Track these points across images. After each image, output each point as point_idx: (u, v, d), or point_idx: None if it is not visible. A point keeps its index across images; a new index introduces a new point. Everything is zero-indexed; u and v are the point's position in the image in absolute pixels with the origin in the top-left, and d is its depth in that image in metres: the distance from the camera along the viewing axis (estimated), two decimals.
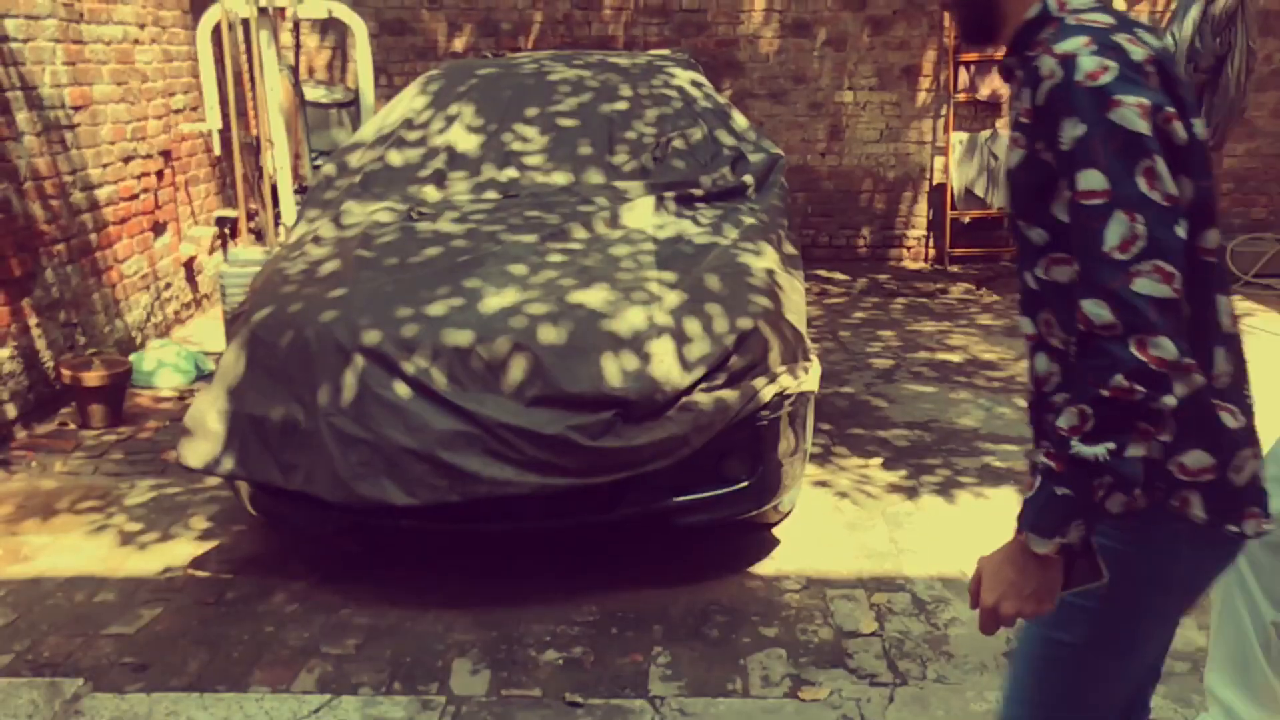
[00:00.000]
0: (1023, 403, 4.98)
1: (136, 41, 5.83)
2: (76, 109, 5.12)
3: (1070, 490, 1.33)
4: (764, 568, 3.46)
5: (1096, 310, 1.29)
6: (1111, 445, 1.30)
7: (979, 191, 8.10)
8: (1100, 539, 1.42)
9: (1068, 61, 1.32)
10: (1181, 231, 1.31)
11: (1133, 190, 1.29)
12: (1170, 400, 1.29)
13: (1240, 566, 2.17)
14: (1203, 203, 1.40)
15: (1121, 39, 1.35)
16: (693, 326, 3.19)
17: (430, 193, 4.17)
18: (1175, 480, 1.45)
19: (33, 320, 4.70)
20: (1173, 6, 7.43)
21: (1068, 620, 1.52)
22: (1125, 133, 1.29)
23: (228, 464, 3.16)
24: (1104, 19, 1.38)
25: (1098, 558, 1.42)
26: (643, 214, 3.92)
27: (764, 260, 3.65)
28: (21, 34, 4.67)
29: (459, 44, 8.02)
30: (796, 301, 3.64)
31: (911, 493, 4.01)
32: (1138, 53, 1.34)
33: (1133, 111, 1.29)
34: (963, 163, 8.06)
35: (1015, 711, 1.64)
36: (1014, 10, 1.48)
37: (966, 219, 8.20)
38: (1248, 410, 1.51)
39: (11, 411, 4.51)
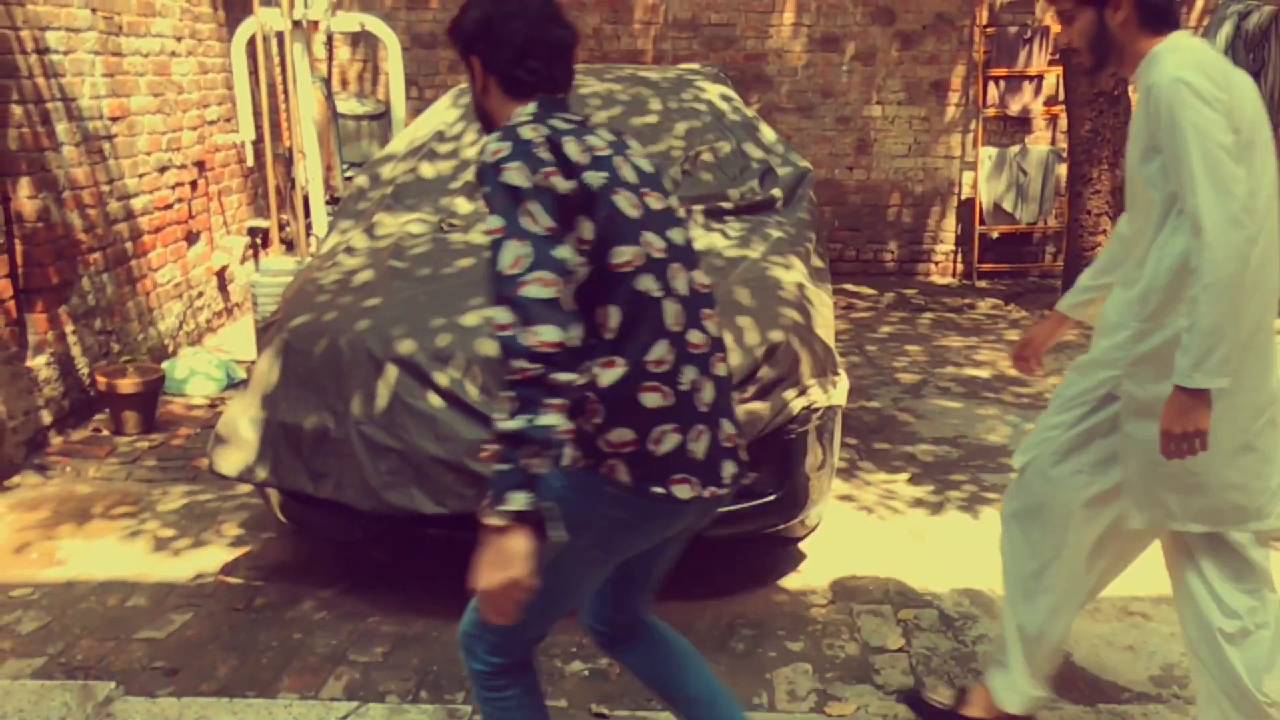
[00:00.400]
0: None
1: (173, 54, 5.92)
2: (114, 120, 5.20)
3: (508, 464, 1.63)
4: (790, 582, 3.46)
5: (499, 314, 1.68)
6: (527, 417, 1.63)
7: (1007, 206, 8.07)
8: (555, 476, 1.77)
9: (484, 147, 1.81)
10: (561, 253, 1.71)
11: (515, 225, 1.71)
12: (564, 376, 1.65)
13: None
14: (606, 230, 1.80)
15: (525, 129, 1.81)
16: (723, 339, 3.20)
17: (462, 204, 4.21)
18: (604, 452, 1.81)
19: (69, 328, 4.77)
20: (1205, 23, 7.39)
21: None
22: (506, 188, 1.73)
23: (260, 472, 3.19)
24: (526, 119, 1.86)
25: (545, 523, 1.71)
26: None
27: (793, 274, 3.65)
28: (62, 46, 4.75)
29: None
30: (825, 315, 3.64)
31: (938, 508, 3.99)
32: (530, 135, 1.79)
33: (513, 174, 1.73)
34: (991, 178, 8.04)
35: (473, 616, 2.01)
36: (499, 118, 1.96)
37: (995, 234, 8.17)
38: (685, 393, 1.84)
39: (47, 418, 4.58)
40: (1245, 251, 2.05)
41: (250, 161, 6.51)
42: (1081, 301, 2.67)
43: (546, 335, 1.64)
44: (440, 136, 4.61)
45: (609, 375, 1.79)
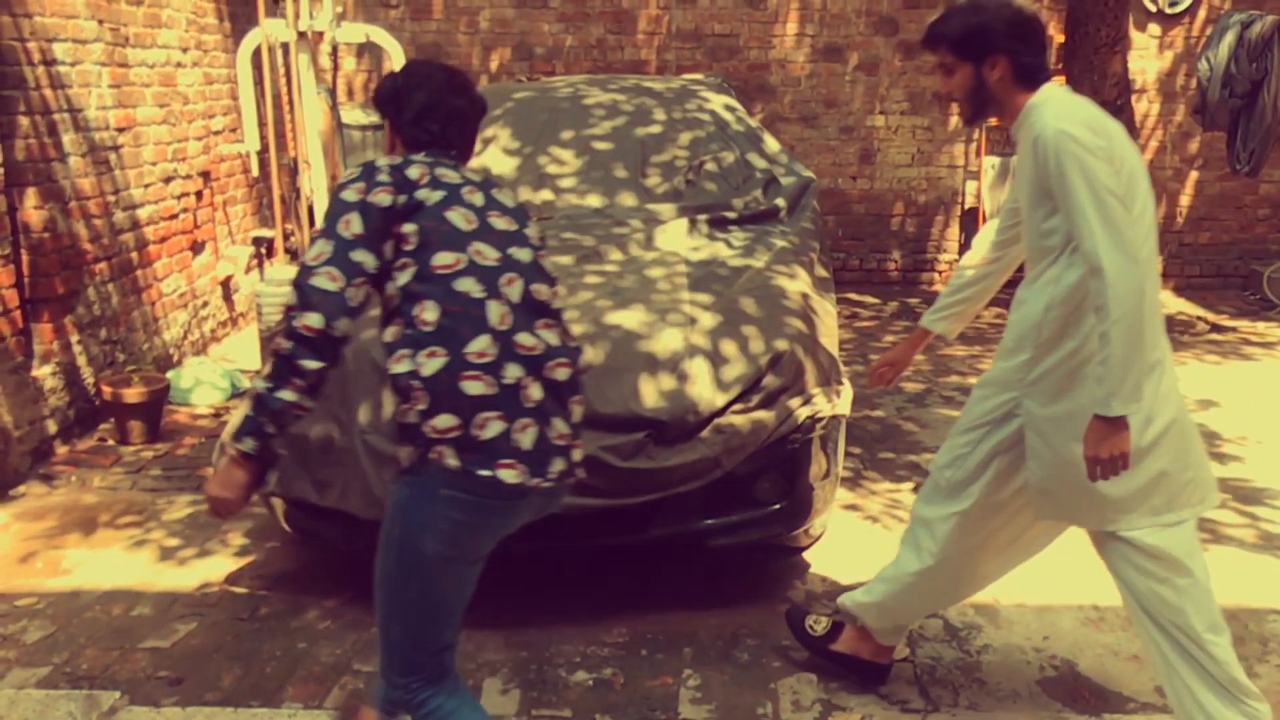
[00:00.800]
0: None
1: (179, 65, 5.95)
2: (120, 130, 5.22)
3: (251, 413, 1.97)
4: (795, 592, 3.45)
5: (290, 297, 1.97)
6: (270, 386, 1.95)
7: None
8: (399, 489, 2.05)
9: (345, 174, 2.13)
10: (359, 256, 2.00)
11: (331, 233, 2.02)
12: (311, 363, 1.94)
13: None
14: (431, 237, 2.05)
15: (381, 161, 2.12)
16: (727, 348, 3.21)
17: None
18: (431, 439, 1.98)
19: (74, 337, 4.78)
20: (1208, 32, 7.40)
21: (382, 549, 2.08)
22: (339, 201, 2.05)
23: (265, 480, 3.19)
24: (388, 161, 2.13)
25: (267, 467, 2.04)
26: (676, 236, 3.95)
27: (797, 283, 3.66)
28: (69, 58, 4.78)
29: (493, 68, 8.12)
30: (829, 325, 3.64)
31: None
32: (383, 164, 2.11)
33: (348, 192, 2.05)
34: (994, 187, 8.04)
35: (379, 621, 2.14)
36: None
37: None
38: (509, 386, 2.00)
39: (52, 427, 4.59)
40: (1143, 286, 2.21)
41: (255, 172, 6.52)
42: (942, 317, 2.88)
43: (311, 321, 1.95)
44: None
45: (431, 365, 1.98)
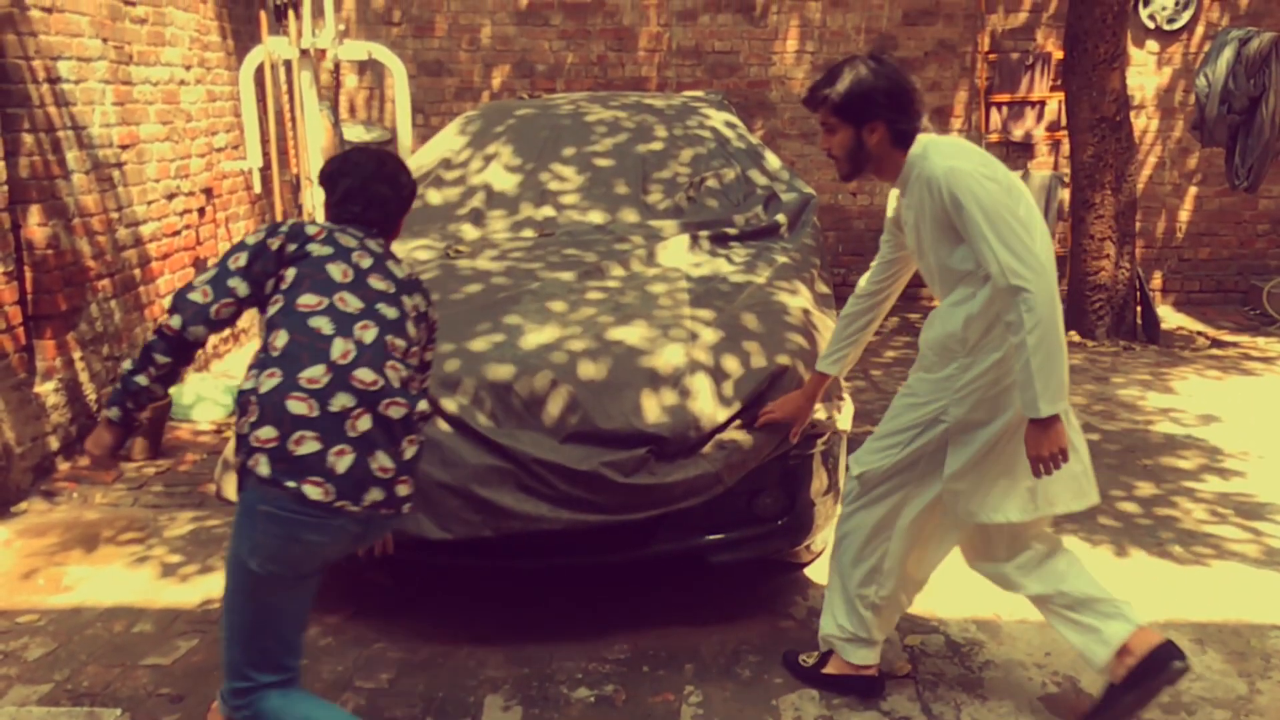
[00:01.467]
0: None
1: (182, 82, 5.98)
2: (124, 148, 5.25)
3: (118, 388, 2.37)
4: (796, 608, 3.45)
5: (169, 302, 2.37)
6: (131, 368, 2.36)
7: None
8: (236, 510, 2.26)
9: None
10: (233, 283, 2.33)
11: (223, 262, 2.36)
12: (162, 357, 2.33)
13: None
14: (305, 281, 2.32)
15: (293, 219, 2.63)
16: (729, 364, 3.21)
17: (468, 231, 4.24)
18: (253, 447, 2.18)
19: (76, 354, 4.79)
20: (1206, 48, 7.44)
21: (227, 568, 2.28)
22: (240, 242, 2.39)
23: None
24: (296, 219, 2.64)
25: (128, 432, 2.42)
26: (678, 252, 3.96)
27: (798, 299, 3.67)
28: (74, 75, 4.80)
29: (495, 84, 8.16)
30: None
31: None
32: (291, 221, 2.48)
33: (251, 237, 2.39)
34: None
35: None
36: None
37: None
38: (334, 414, 2.18)
39: (54, 444, 4.59)
40: (1054, 293, 2.41)
41: (258, 188, 6.55)
42: (836, 359, 3.06)
43: (173, 322, 2.32)
44: (447, 164, 4.65)
45: (268, 383, 2.20)
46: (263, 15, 5.69)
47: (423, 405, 2.35)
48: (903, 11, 8.06)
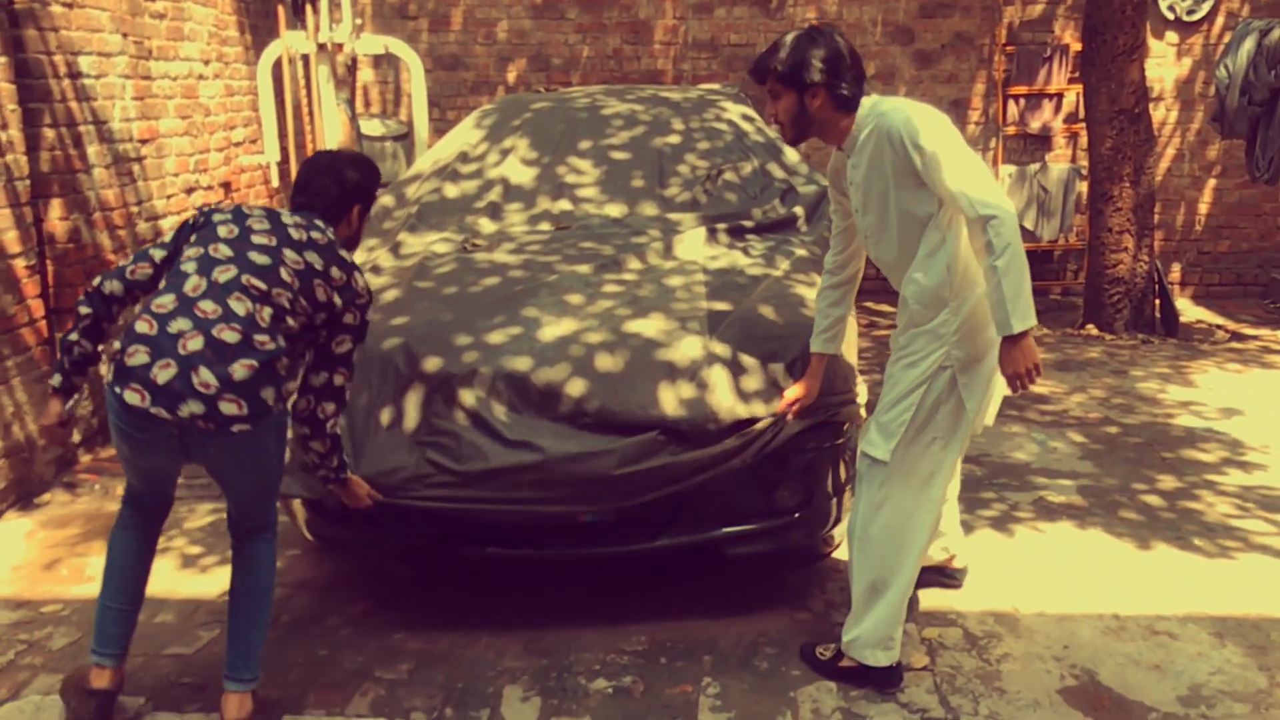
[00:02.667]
0: (1077, 437, 4.93)
1: (201, 77, 6.01)
2: (143, 142, 5.28)
3: (58, 354, 2.73)
4: (814, 600, 3.45)
5: None
6: (67, 329, 2.73)
7: (1028, 224, 8.06)
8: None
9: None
10: (153, 251, 2.73)
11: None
12: (84, 309, 2.68)
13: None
14: (194, 234, 2.70)
15: (212, 207, 2.80)
16: (746, 357, 3.21)
17: (485, 224, 4.25)
18: (111, 356, 2.53)
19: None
20: (1226, 39, 7.38)
21: None
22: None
23: (287, 483, 3.21)
24: (223, 208, 2.78)
25: (70, 395, 2.76)
26: (695, 245, 3.96)
27: (815, 291, 3.66)
28: (94, 71, 4.83)
29: (510, 78, 8.17)
30: (847, 333, 3.64)
31: (963, 527, 3.97)
32: (206, 208, 2.79)
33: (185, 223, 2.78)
34: (1012, 195, 8.03)
35: None
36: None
37: None
38: (170, 335, 2.47)
39: (76, 436, 4.63)
40: (1016, 217, 2.61)
41: (275, 182, 6.58)
42: (829, 339, 3.17)
43: (95, 281, 2.70)
44: (464, 157, 4.66)
45: (136, 311, 2.59)
46: (280, 10, 5.72)
47: (269, 344, 2.53)
48: (919, 4, 8.02)
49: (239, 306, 2.53)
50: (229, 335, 2.49)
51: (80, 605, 3.42)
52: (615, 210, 4.30)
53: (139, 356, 2.46)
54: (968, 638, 3.21)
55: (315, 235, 2.74)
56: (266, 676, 2.98)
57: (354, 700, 2.90)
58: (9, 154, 4.22)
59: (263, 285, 2.59)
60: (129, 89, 5.15)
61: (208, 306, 2.51)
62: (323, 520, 3.32)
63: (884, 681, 2.95)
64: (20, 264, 4.30)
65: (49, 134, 4.49)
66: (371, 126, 7.30)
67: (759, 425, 3.08)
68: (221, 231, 2.67)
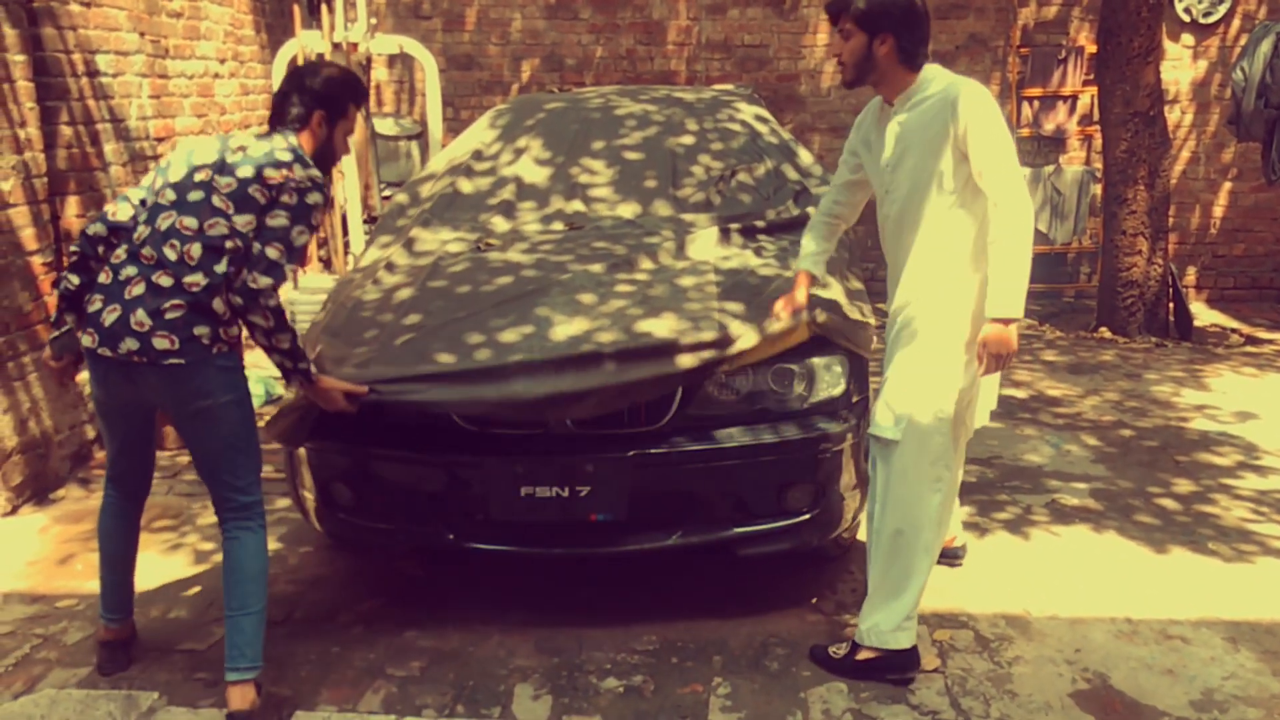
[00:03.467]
0: (1090, 440, 4.91)
1: (216, 76, 6.04)
2: (160, 140, 5.31)
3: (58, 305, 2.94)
4: (825, 601, 3.45)
5: None
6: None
7: (1042, 226, 8.03)
8: None
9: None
10: (133, 193, 2.89)
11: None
12: (74, 247, 2.87)
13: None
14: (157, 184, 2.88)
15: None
16: (181, 264, 3.23)
17: (499, 223, 4.25)
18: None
19: None
20: (1243, 42, 7.35)
21: None
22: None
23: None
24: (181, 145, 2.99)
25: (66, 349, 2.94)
26: (708, 246, 3.96)
27: (828, 292, 3.66)
28: (112, 69, 4.86)
29: (524, 78, 8.18)
30: (862, 334, 3.64)
31: (975, 529, 3.97)
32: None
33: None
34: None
35: None
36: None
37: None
38: (120, 281, 2.72)
39: (91, 432, 4.66)
40: (1033, 215, 2.85)
41: None
42: (818, 261, 3.37)
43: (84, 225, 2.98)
44: (478, 156, 4.67)
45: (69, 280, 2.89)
46: (296, 9, 5.74)
47: (200, 282, 2.71)
48: (934, 4, 8.00)
49: (171, 252, 2.73)
50: (164, 280, 2.72)
51: (94, 601, 3.43)
52: (628, 210, 4.30)
53: (95, 304, 2.75)
54: (979, 640, 3.20)
55: (257, 147, 2.83)
56: (278, 673, 3.01)
57: (366, 697, 2.91)
58: (27, 151, 4.25)
59: (194, 224, 2.74)
60: (145, 87, 5.18)
61: (148, 253, 2.75)
62: (334, 517, 3.33)
63: (904, 665, 2.98)
64: (37, 260, 4.33)
65: (66, 131, 4.52)
66: (386, 125, 7.32)
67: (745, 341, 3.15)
68: (171, 174, 2.85)
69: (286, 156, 2.79)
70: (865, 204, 3.34)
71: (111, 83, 4.87)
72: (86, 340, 2.75)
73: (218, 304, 2.72)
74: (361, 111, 5.99)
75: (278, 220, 2.74)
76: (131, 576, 3.07)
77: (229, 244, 2.72)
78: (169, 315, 2.69)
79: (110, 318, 2.70)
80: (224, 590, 2.83)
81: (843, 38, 2.97)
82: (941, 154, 2.86)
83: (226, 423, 2.80)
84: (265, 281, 2.69)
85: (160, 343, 2.68)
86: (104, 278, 2.77)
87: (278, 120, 2.91)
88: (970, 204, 2.86)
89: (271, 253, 2.72)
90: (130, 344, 2.68)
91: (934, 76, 2.93)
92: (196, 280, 2.70)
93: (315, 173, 2.82)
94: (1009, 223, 2.73)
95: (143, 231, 2.77)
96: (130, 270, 2.73)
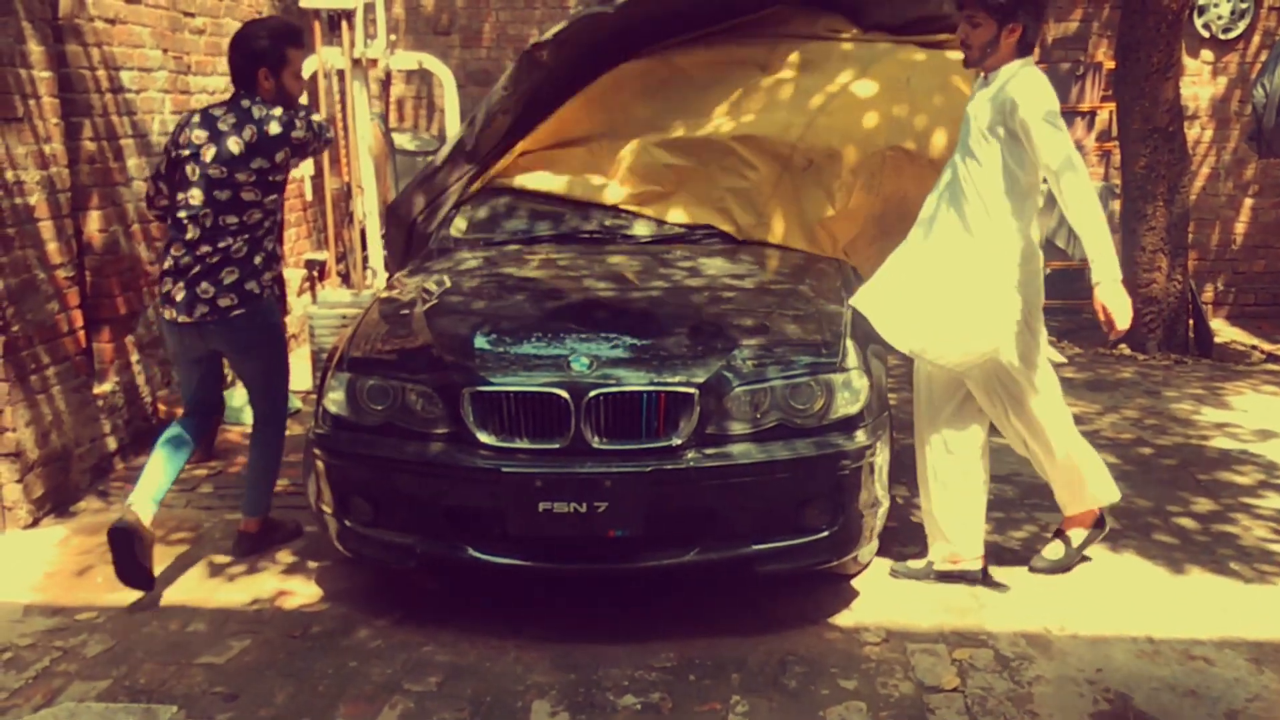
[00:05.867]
0: (1109, 458, 4.88)
1: None
2: None
3: None
4: (843, 619, 3.43)
5: None
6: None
7: (1060, 243, 8.00)
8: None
9: None
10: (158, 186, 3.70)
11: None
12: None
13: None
14: (176, 183, 3.60)
15: (177, 127, 3.67)
16: (226, 247, 3.35)
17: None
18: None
19: (134, 356, 4.89)
20: (1263, 58, 7.32)
21: None
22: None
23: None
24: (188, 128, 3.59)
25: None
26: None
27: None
28: (135, 85, 4.91)
29: None
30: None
31: (995, 547, 3.94)
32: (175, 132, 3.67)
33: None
34: (1044, 214, 7.96)
35: None
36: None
37: (1048, 270, 8.08)
38: (182, 264, 3.55)
39: (112, 444, 4.69)
40: (1096, 193, 3.23)
41: (309, 195, 6.66)
42: None
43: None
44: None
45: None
46: (316, 25, 5.78)
47: (237, 248, 3.52)
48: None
49: (211, 228, 3.48)
50: (212, 259, 3.49)
51: (114, 613, 3.46)
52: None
53: (166, 284, 3.55)
54: (999, 659, 3.18)
55: (233, 117, 3.47)
56: (295, 687, 3.02)
57: (383, 712, 2.91)
58: (52, 166, 4.29)
59: (224, 195, 3.45)
60: (168, 103, 5.23)
61: (203, 248, 3.49)
62: (353, 534, 3.34)
63: (976, 580, 3.56)
64: (61, 274, 4.36)
65: (90, 147, 4.56)
66: (404, 140, 7.37)
67: None
68: (188, 170, 3.50)
69: (256, 115, 3.48)
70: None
71: (135, 98, 4.92)
72: (167, 314, 3.60)
73: (255, 259, 3.59)
74: (380, 125, 6.02)
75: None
76: (162, 479, 3.59)
77: (250, 196, 3.57)
78: (227, 281, 3.58)
79: (180, 295, 3.60)
80: (248, 462, 3.85)
81: (969, 25, 3.25)
82: (998, 136, 3.24)
83: (269, 353, 3.76)
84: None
85: (224, 302, 3.58)
86: (168, 263, 3.60)
87: (237, 85, 3.54)
88: (1037, 189, 3.30)
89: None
90: (202, 310, 3.58)
91: (1019, 70, 3.26)
92: (232, 246, 3.57)
93: (275, 112, 3.50)
94: (1079, 194, 3.13)
95: (183, 215, 3.58)
96: (188, 260, 3.59)
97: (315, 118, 3.58)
